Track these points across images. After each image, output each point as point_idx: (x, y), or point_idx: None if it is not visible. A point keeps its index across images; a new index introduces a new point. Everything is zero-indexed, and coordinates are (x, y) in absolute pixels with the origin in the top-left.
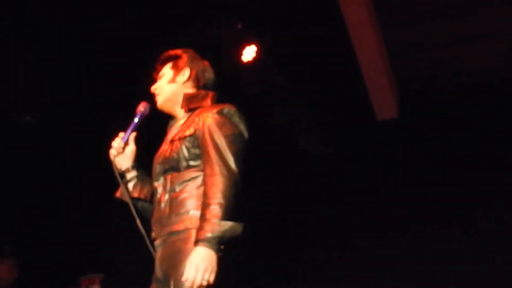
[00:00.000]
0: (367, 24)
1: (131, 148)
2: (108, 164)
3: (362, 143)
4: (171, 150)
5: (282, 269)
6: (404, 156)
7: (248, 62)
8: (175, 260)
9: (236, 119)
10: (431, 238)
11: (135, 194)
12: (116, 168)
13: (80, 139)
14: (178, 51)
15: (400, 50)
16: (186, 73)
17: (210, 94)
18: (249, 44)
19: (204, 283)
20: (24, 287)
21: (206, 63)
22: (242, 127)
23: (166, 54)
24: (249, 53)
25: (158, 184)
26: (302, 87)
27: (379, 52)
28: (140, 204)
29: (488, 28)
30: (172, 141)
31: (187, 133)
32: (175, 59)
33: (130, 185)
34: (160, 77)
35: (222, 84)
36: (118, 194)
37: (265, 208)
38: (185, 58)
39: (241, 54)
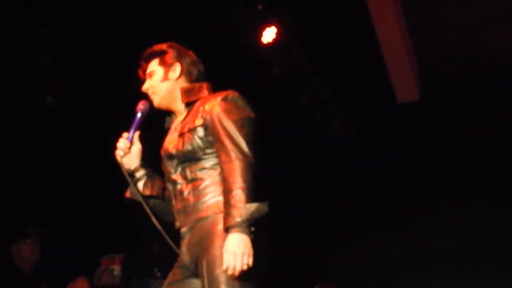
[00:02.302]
0: (389, 5)
1: (137, 146)
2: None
3: (382, 126)
4: (183, 142)
5: (306, 250)
6: (423, 139)
7: (268, 43)
8: (206, 243)
9: (241, 103)
10: (455, 220)
11: (147, 192)
12: (125, 168)
13: (102, 120)
14: (163, 46)
15: (422, 32)
16: (177, 68)
17: (205, 85)
18: (269, 25)
19: (245, 267)
20: (46, 267)
21: (191, 54)
22: (248, 109)
23: (149, 50)
24: (269, 34)
25: (177, 177)
26: (322, 69)
27: (401, 34)
28: (152, 201)
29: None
30: (181, 134)
31: (197, 123)
32: (161, 54)
33: (141, 184)
34: (149, 75)
35: (241, 65)
36: (128, 194)
37: (289, 191)
38: (171, 53)
39: (261, 36)
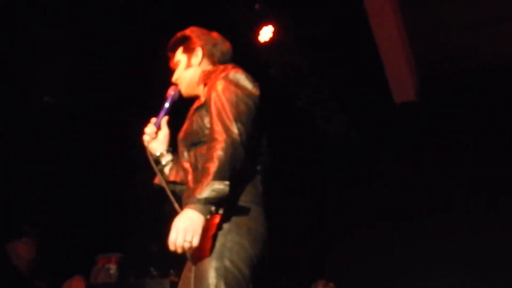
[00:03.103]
0: (387, 5)
1: (164, 132)
2: (139, 149)
3: (380, 126)
4: (190, 123)
5: (306, 249)
6: (421, 139)
7: (265, 42)
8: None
9: (243, 81)
10: (453, 219)
11: (172, 178)
12: (151, 154)
13: (101, 120)
14: (185, 33)
15: (420, 33)
16: (199, 53)
17: (230, 66)
18: (266, 24)
19: (186, 245)
20: (42, 266)
21: (216, 35)
22: (250, 87)
23: (173, 40)
24: (266, 33)
25: (186, 163)
26: (320, 69)
27: (399, 35)
28: (178, 187)
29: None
30: (189, 117)
31: (199, 103)
32: (184, 42)
33: (166, 169)
34: (176, 65)
35: (238, 64)
36: (157, 180)
37: (288, 190)
38: (193, 38)
39: (258, 35)
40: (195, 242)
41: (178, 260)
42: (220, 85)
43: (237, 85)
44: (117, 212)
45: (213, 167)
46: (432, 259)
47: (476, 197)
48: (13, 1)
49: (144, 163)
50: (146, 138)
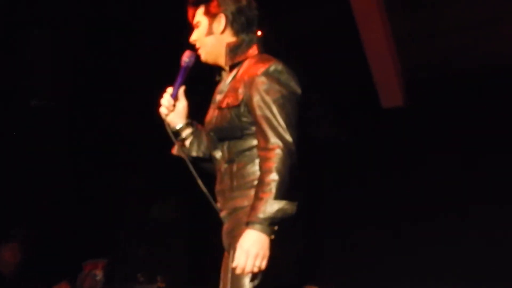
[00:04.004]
0: (374, 10)
1: (182, 103)
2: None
3: (367, 131)
4: (221, 118)
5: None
6: (408, 144)
7: None
8: (237, 233)
9: (285, 76)
10: (439, 224)
11: (194, 153)
12: (169, 126)
13: (87, 123)
14: None
15: (407, 38)
16: (222, 20)
17: (254, 38)
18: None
19: (255, 269)
20: (28, 271)
21: (244, 1)
22: (292, 84)
23: None
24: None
25: (216, 153)
26: (308, 73)
27: (386, 39)
28: (200, 162)
29: (498, 13)
30: (220, 108)
31: (236, 100)
32: (206, 2)
33: (187, 143)
34: (196, 26)
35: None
36: (174, 151)
37: None
38: (217, 0)
39: None
40: (263, 266)
41: (165, 267)
42: (261, 83)
43: (279, 82)
44: (105, 218)
45: (274, 183)
46: (423, 263)
47: (464, 202)
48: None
49: (133, 168)
50: (163, 110)
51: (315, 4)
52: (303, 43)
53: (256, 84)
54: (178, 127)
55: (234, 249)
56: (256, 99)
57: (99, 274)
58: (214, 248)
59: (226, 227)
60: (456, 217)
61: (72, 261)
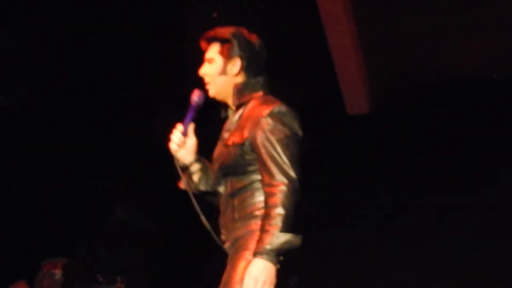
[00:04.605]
0: (342, 17)
1: (192, 140)
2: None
3: (332, 137)
4: (227, 155)
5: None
6: (372, 151)
7: None
8: (237, 256)
9: (288, 118)
10: (404, 229)
11: (202, 188)
12: (178, 162)
13: (50, 123)
14: (226, 33)
15: (374, 46)
16: (237, 63)
17: (261, 80)
18: None
19: None
20: None
21: (255, 40)
22: (295, 125)
23: (213, 33)
24: None
25: (221, 188)
26: (275, 78)
27: (353, 47)
28: (207, 196)
29: (463, 27)
30: (227, 145)
31: (241, 139)
32: (223, 42)
33: (195, 178)
34: (209, 61)
35: (195, 74)
36: (182, 185)
37: None
38: (234, 45)
39: None
40: None
41: (125, 268)
42: (266, 124)
43: (283, 123)
44: (65, 218)
45: (280, 217)
46: (395, 269)
47: (426, 206)
48: None
49: (96, 168)
50: (173, 146)
51: (284, 10)
52: (272, 49)
53: (261, 125)
54: (187, 162)
55: (236, 259)
56: (260, 138)
57: (58, 274)
58: (175, 251)
59: (230, 256)
60: (420, 222)
61: (31, 260)
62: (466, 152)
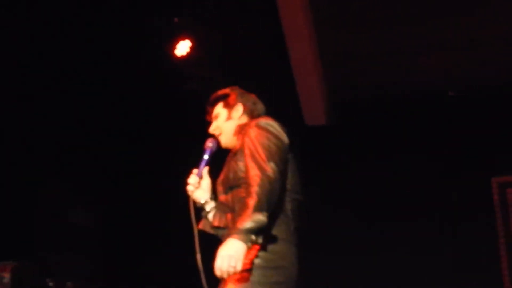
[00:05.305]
0: (304, 28)
1: (206, 181)
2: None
3: (290, 147)
4: (228, 170)
5: None
6: (330, 162)
7: (182, 56)
8: None
9: (273, 128)
10: (362, 241)
11: (216, 223)
12: (193, 202)
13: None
14: (226, 90)
15: (334, 58)
16: (239, 108)
17: (261, 117)
18: (184, 39)
19: (231, 269)
20: None
21: (254, 96)
22: (281, 134)
23: (214, 95)
24: (183, 47)
25: (224, 203)
26: (234, 86)
27: (313, 58)
28: (220, 232)
29: (422, 43)
30: (228, 163)
31: (235, 150)
32: (224, 98)
33: (210, 215)
34: (215, 118)
35: (154, 76)
36: (201, 226)
37: None
38: (234, 95)
39: (175, 48)
40: (239, 267)
41: (76, 273)
42: (252, 132)
43: (267, 130)
44: (15, 220)
45: (251, 201)
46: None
47: (384, 218)
48: None
49: (49, 170)
50: (190, 188)
51: (246, 19)
52: (233, 57)
53: (248, 133)
54: (202, 201)
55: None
56: (246, 143)
57: (7, 277)
58: (129, 257)
59: None
60: (376, 233)
61: None
62: (418, 163)
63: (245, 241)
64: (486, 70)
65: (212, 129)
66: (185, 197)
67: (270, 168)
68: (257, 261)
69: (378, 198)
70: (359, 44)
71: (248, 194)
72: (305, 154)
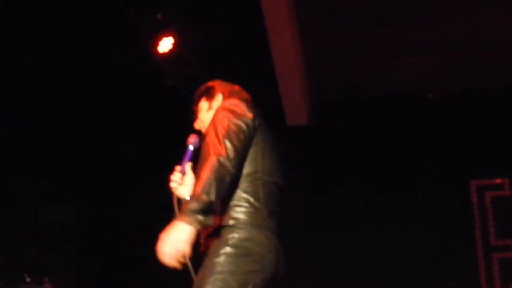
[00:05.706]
0: (286, 27)
1: (190, 176)
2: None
3: None
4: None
5: None
6: (311, 163)
7: (164, 53)
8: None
9: (236, 107)
10: (341, 243)
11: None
12: (176, 199)
13: None
14: (208, 84)
15: (316, 58)
16: (219, 98)
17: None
18: (167, 35)
19: (172, 251)
20: None
21: (237, 87)
22: (242, 112)
23: (197, 92)
24: (165, 44)
25: None
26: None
27: (295, 58)
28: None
29: (405, 44)
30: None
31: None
32: (207, 91)
33: None
34: (198, 111)
35: (136, 73)
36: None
37: None
38: (215, 86)
39: (157, 45)
40: (187, 249)
41: (54, 268)
42: (217, 113)
43: (230, 110)
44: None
45: (199, 185)
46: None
47: (362, 220)
48: None
49: (21, 167)
50: (173, 184)
51: (228, 17)
52: (215, 54)
53: (214, 117)
54: (187, 197)
55: (206, 263)
56: (209, 125)
57: None
58: (107, 251)
59: None
60: (355, 234)
61: None
62: (398, 164)
63: (191, 222)
64: (467, 73)
65: (196, 125)
66: (169, 193)
67: (223, 146)
68: (227, 249)
69: (359, 198)
70: (342, 44)
71: (200, 179)
72: (286, 154)
